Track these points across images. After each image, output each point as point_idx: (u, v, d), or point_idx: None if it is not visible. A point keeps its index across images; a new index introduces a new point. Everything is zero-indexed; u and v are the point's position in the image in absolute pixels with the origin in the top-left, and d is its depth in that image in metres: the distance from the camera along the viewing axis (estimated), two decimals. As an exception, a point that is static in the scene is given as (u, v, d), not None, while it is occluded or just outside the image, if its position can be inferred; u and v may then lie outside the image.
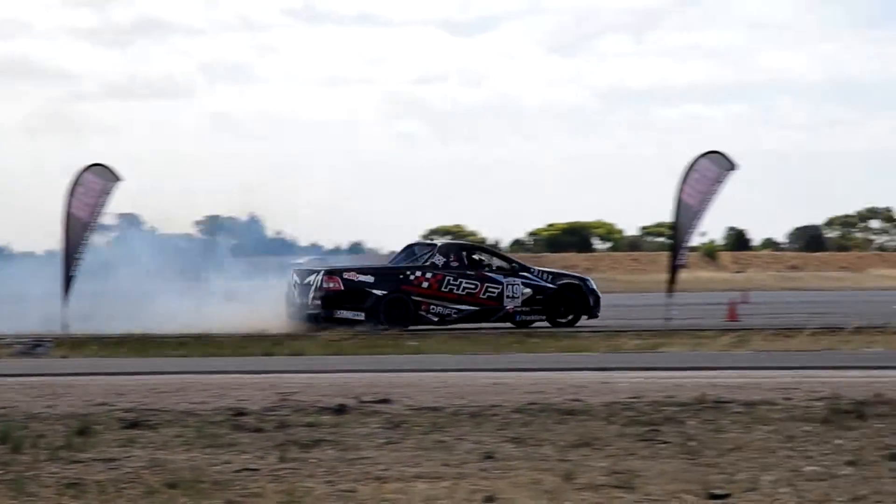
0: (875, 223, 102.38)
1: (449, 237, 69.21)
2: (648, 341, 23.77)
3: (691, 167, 30.80)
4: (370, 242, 47.23)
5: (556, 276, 30.54)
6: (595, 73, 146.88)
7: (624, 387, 15.41)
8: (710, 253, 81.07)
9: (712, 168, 30.87)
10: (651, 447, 10.71)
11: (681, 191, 30.70)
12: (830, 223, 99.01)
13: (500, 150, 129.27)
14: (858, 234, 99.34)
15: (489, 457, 10.30)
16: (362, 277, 29.08)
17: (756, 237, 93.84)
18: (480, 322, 29.18)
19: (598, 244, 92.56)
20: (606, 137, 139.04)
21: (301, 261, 32.62)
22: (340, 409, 13.26)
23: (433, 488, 9.04)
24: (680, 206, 30.73)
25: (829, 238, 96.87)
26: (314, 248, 38.96)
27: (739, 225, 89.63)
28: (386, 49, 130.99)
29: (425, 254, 30.28)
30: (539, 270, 30.52)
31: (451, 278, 29.37)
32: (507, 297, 29.39)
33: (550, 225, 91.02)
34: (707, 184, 30.76)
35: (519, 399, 14.09)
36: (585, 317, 29.48)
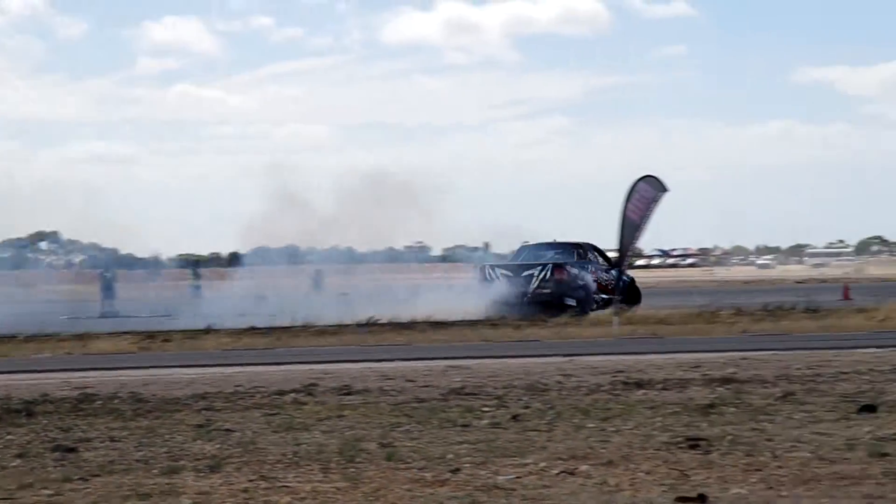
0: (44, 245, 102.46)
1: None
2: None
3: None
4: None
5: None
6: None
7: None
8: None
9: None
10: None
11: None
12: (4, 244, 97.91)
13: None
14: (30, 255, 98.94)
15: None
16: (574, 270, 32.10)
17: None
18: (605, 309, 30.99)
19: None
20: None
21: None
22: None
23: None
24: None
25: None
26: None
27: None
28: None
29: (576, 251, 33.24)
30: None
31: (601, 272, 32.82)
32: (618, 288, 30.91)
33: None
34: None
35: None
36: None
